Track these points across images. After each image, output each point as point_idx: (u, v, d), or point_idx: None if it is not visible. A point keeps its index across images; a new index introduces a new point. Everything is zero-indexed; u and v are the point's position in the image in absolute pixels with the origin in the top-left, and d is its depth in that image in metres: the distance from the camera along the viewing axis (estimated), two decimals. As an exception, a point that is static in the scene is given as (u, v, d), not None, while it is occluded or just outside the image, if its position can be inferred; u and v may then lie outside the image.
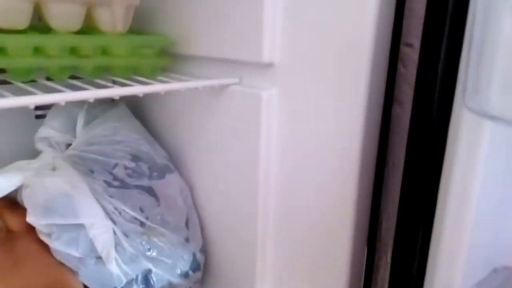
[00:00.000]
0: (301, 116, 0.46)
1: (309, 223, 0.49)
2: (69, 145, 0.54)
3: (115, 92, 0.40)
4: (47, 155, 0.50)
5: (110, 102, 0.60)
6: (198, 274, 0.54)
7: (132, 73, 0.49)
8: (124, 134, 0.53)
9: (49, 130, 0.51)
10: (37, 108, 0.60)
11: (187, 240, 0.53)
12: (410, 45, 0.38)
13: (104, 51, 0.46)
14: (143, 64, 0.49)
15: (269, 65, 0.46)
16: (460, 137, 0.35)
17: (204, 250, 0.56)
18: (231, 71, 0.51)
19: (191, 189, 0.57)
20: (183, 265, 0.51)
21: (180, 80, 0.48)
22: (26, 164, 0.48)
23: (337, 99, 0.42)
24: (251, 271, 0.54)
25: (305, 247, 0.50)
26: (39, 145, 0.52)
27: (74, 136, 0.53)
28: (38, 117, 0.61)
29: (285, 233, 0.51)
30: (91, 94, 0.38)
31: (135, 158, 0.51)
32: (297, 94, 0.46)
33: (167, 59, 0.53)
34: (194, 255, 0.53)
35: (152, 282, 0.48)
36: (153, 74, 0.50)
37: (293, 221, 0.50)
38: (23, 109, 0.60)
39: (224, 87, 0.50)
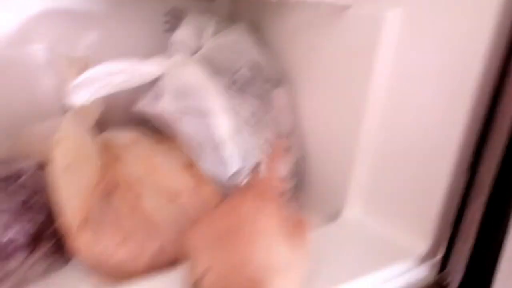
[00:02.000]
0: (421, 44, 0.47)
1: (410, 150, 0.51)
2: (195, 52, 0.61)
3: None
4: (180, 56, 0.58)
5: (233, 22, 0.66)
6: (294, 180, 0.59)
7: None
8: (245, 46, 0.59)
9: (182, 34, 0.59)
10: (168, 22, 0.69)
11: (288, 147, 0.58)
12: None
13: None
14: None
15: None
16: None
17: (302, 160, 0.62)
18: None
19: (296, 105, 0.62)
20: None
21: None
22: (164, 60, 0.56)
23: (463, 33, 0.42)
24: (343, 190, 0.58)
25: (402, 172, 0.52)
26: (172, 49, 0.60)
27: (201, 44, 0.60)
28: (167, 30, 0.69)
29: (384, 155, 0.54)
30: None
31: (253, 67, 0.57)
32: (422, 17, 0.47)
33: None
34: (294, 162, 0.58)
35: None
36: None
37: (394, 145, 0.53)
38: (153, 22, 0.68)
39: (346, 7, 0.52)
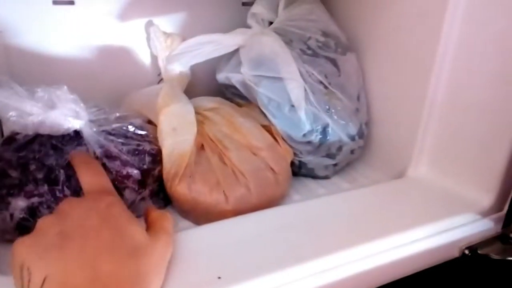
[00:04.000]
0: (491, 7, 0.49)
1: (475, 107, 0.53)
2: (270, 23, 0.67)
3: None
4: (257, 28, 0.64)
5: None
6: (361, 142, 0.64)
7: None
8: (317, 14, 0.63)
9: (259, 7, 0.65)
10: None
11: (357, 110, 0.62)
12: None
13: None
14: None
15: None
16: None
17: (368, 124, 0.66)
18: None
19: (364, 70, 0.66)
20: (352, 129, 0.61)
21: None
22: (244, 31, 0.62)
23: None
24: (408, 151, 0.61)
25: (467, 129, 0.55)
26: (250, 21, 0.66)
27: (276, 16, 0.66)
28: (244, 4, 0.76)
29: (449, 114, 0.57)
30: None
31: (325, 34, 0.62)
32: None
33: None
34: (360, 124, 0.63)
35: (327, 134, 0.59)
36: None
37: (458, 104, 0.55)
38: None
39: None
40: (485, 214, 0.52)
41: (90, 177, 0.39)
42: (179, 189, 0.52)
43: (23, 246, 0.31)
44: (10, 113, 0.43)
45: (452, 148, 0.57)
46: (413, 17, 0.57)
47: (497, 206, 0.53)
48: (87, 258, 0.30)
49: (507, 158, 0.50)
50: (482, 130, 0.53)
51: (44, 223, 0.33)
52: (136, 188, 0.49)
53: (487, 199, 0.52)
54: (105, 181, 0.39)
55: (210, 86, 0.73)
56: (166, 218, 0.38)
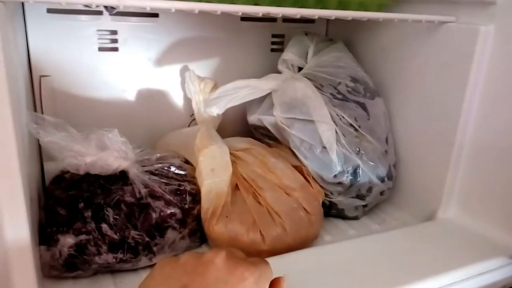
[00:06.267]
0: None
1: (503, 151, 0.55)
2: (300, 68, 0.70)
3: (352, 14, 0.50)
4: (288, 73, 0.67)
5: (331, 40, 0.74)
6: (390, 183, 0.65)
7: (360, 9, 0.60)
8: (345, 61, 0.67)
9: (289, 54, 0.68)
10: (273, 43, 0.79)
11: (386, 152, 0.64)
12: None
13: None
14: (371, 2, 0.60)
15: (489, 3, 0.53)
16: None
17: (396, 166, 0.67)
18: (447, 10, 0.59)
19: (391, 113, 0.68)
20: (381, 171, 0.63)
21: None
22: (276, 76, 0.66)
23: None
24: (438, 193, 0.62)
25: (496, 173, 0.56)
26: (280, 67, 0.70)
27: (306, 62, 0.69)
28: (273, 50, 0.80)
29: (478, 161, 0.58)
30: (329, 12, 0.48)
31: (354, 79, 0.65)
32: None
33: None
34: (389, 166, 0.65)
35: (358, 175, 0.61)
36: (379, 11, 0.61)
37: (487, 148, 0.57)
38: (262, 44, 0.79)
39: (440, 24, 0.58)
40: (516, 258, 0.53)
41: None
42: (217, 228, 0.53)
43: (151, 279, 0.33)
44: (65, 153, 0.46)
45: (482, 191, 0.58)
46: (439, 65, 0.60)
47: (529, 250, 0.53)
48: None
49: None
50: (509, 173, 0.54)
51: (181, 266, 0.33)
52: (178, 227, 0.50)
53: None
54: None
55: (239, 127, 0.77)
56: None
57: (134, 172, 0.50)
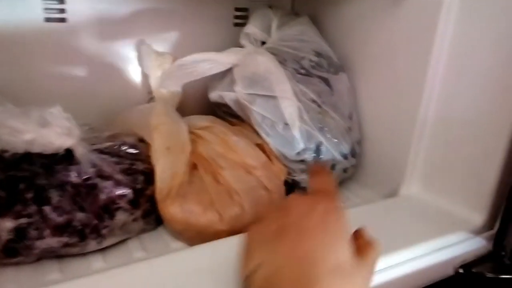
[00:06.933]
0: (478, 30, 0.51)
1: (466, 126, 0.54)
2: (263, 43, 0.67)
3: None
4: (250, 48, 0.65)
5: (296, 15, 0.71)
6: (354, 160, 0.64)
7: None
8: (309, 35, 0.64)
9: (252, 27, 0.65)
10: (236, 17, 0.76)
11: (349, 129, 0.63)
12: None
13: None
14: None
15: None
16: None
17: (360, 143, 0.66)
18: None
19: (355, 89, 0.67)
20: (345, 148, 0.62)
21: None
22: (238, 50, 0.63)
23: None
24: (401, 170, 0.62)
25: (459, 149, 0.56)
26: (243, 41, 0.67)
27: (269, 36, 0.67)
28: (236, 24, 0.76)
29: (441, 134, 0.58)
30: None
31: (318, 54, 0.63)
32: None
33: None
34: (353, 143, 0.63)
35: (321, 152, 0.59)
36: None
37: (450, 123, 0.56)
38: (224, 17, 0.76)
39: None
40: (477, 232, 0.53)
41: (318, 177, 0.40)
42: (172, 209, 0.51)
43: (251, 231, 0.35)
44: (1, 130, 0.42)
45: (444, 167, 0.58)
46: (403, 39, 0.58)
47: (488, 225, 0.53)
48: (296, 257, 0.31)
49: (497, 177, 0.51)
50: (472, 149, 0.54)
51: (271, 214, 0.35)
52: (129, 209, 0.48)
53: (478, 217, 0.53)
54: (330, 185, 0.39)
55: (201, 105, 0.73)
56: (377, 249, 0.36)
57: (81, 151, 0.46)
